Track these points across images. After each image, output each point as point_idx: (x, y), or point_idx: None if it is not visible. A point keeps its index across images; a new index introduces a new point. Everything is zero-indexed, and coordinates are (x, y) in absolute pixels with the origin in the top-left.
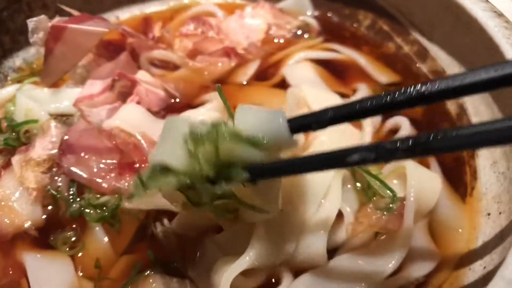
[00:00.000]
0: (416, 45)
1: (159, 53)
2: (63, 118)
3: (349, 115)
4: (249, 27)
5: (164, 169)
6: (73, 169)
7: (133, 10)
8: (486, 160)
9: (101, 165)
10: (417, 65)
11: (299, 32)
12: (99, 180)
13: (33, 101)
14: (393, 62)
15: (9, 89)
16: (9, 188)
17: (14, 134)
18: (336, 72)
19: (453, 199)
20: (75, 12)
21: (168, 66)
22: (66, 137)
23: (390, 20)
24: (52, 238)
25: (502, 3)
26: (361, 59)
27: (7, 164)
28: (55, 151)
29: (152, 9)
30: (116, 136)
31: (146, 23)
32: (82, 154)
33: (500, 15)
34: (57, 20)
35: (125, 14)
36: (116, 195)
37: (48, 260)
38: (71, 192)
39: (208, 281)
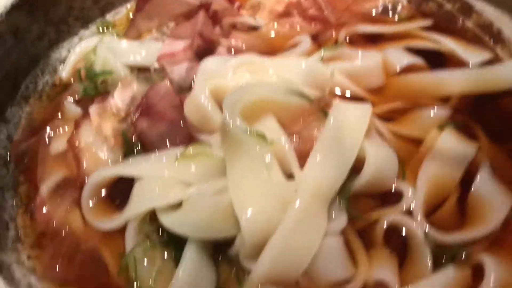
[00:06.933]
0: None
1: (241, 19)
2: (140, 75)
3: None
4: None
5: None
6: (142, 133)
7: None
8: None
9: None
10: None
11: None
12: None
13: (112, 53)
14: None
15: (91, 40)
16: (90, 137)
17: (92, 83)
18: None
19: None
20: None
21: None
22: (147, 97)
23: None
24: None
25: None
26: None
27: (85, 116)
28: (133, 107)
29: None
30: None
31: None
32: (155, 121)
33: None
34: None
35: None
36: None
37: None
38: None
39: None
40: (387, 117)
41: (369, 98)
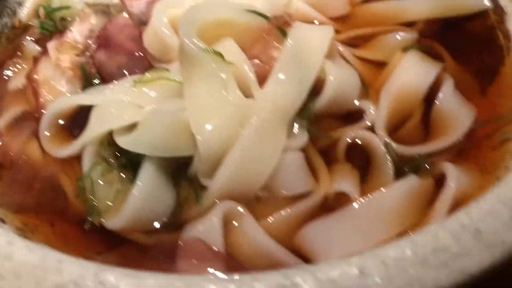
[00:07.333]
0: None
1: None
2: (100, 7)
3: None
4: None
5: None
6: (101, 65)
7: None
8: None
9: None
10: None
11: None
12: None
13: None
14: None
15: None
16: (48, 71)
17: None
18: None
19: None
20: None
21: None
22: (106, 29)
23: None
24: None
25: None
26: None
27: (44, 52)
28: (91, 40)
29: None
30: None
31: None
32: (113, 53)
33: None
34: None
35: None
36: None
37: None
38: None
39: None
40: (352, 43)
41: (333, 26)
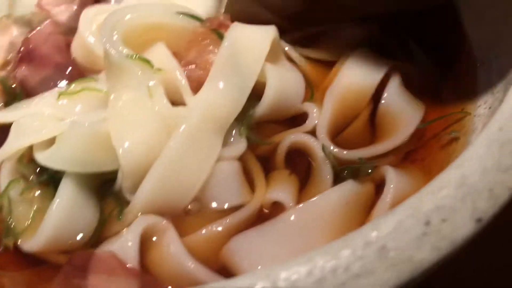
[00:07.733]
0: None
1: None
2: (22, 17)
3: None
4: None
5: None
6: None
7: None
8: None
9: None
10: None
11: None
12: None
13: None
14: None
15: None
16: None
17: None
18: None
19: None
20: None
21: None
22: (28, 40)
23: None
24: None
25: None
26: None
27: None
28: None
29: None
30: None
31: None
32: (38, 65)
33: None
34: None
35: None
36: None
37: None
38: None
39: None
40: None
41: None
